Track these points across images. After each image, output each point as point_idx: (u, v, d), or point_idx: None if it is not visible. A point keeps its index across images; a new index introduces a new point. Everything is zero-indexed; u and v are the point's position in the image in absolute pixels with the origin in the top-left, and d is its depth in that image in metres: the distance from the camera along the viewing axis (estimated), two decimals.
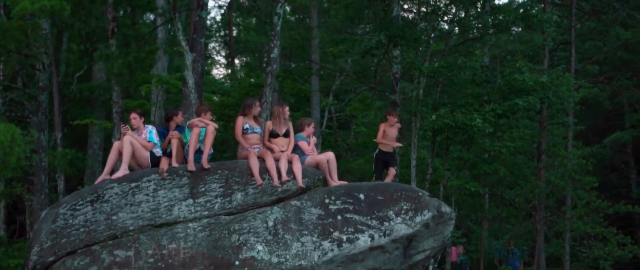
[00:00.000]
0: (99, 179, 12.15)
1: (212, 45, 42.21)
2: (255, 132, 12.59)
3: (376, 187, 12.61)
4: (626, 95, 32.78)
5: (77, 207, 11.58)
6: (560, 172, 23.22)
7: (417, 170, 20.95)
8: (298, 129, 13.13)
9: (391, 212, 12.14)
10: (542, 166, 23.33)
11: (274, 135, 12.68)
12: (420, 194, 12.63)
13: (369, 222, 12.00)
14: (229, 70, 41.08)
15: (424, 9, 22.93)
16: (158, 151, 12.34)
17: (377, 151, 14.70)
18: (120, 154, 12.07)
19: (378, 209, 12.11)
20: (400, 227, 12.10)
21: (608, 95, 32.85)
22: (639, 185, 41.81)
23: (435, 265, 20.83)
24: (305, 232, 11.79)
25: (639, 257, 26.60)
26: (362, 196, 12.21)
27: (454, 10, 22.96)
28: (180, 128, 12.66)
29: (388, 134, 14.50)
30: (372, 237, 11.93)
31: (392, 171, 14.49)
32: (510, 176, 22.92)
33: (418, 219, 12.23)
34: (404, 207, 12.22)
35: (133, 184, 11.72)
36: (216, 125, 12.57)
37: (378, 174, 14.63)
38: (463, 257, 23.50)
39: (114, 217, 11.57)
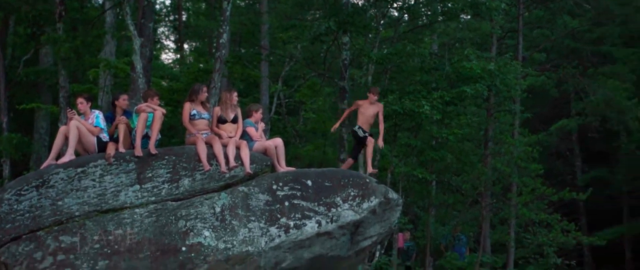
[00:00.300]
0: (45, 164, 12.12)
1: (161, 30, 41.94)
2: (203, 118, 12.68)
3: (324, 173, 12.79)
4: (572, 84, 33.47)
5: (22, 193, 11.55)
6: (506, 160, 23.65)
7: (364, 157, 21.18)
8: (246, 115, 13.24)
9: (338, 199, 12.32)
10: (489, 153, 23.75)
11: (221, 121, 12.78)
12: (367, 180, 12.84)
13: (317, 208, 12.17)
14: (178, 56, 40.91)
15: None
16: (105, 136, 12.34)
17: (357, 127, 14.52)
18: (66, 138, 12.05)
19: (325, 195, 12.28)
20: (348, 214, 12.29)
21: (555, 83, 33.51)
22: (583, 173, 42.83)
23: (382, 251, 21.16)
24: (253, 218, 11.91)
25: (582, 244, 27.28)
26: (309, 182, 12.37)
27: None
28: (127, 113, 12.67)
29: (364, 113, 14.27)
30: (319, 223, 12.10)
31: (371, 140, 14.29)
32: (457, 163, 23.29)
33: (365, 205, 12.43)
34: (351, 194, 12.41)
35: (79, 170, 11.72)
36: (164, 111, 12.63)
37: (354, 153, 14.74)
38: (410, 243, 23.87)
39: (60, 203, 11.56)
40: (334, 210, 12.22)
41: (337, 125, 15.00)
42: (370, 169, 13.68)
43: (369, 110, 14.23)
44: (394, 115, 20.22)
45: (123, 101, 12.85)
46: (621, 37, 39.76)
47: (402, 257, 23.47)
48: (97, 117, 12.39)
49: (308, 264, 12.41)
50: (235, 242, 11.70)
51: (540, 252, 24.94)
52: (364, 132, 14.40)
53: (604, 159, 43.04)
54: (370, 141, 14.18)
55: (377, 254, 20.46)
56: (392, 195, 12.79)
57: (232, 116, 12.85)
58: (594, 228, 40.36)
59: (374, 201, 12.50)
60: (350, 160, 14.50)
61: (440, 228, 24.65)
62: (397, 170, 21.26)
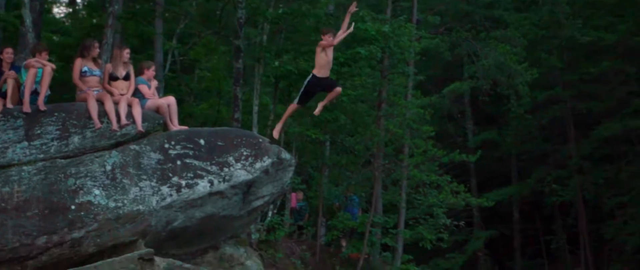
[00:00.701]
0: None
1: None
2: (95, 75, 12.65)
3: (216, 132, 12.97)
4: (465, 47, 34.32)
5: None
6: (399, 121, 24.16)
7: (259, 117, 21.36)
8: (138, 72, 13.25)
9: (231, 158, 12.51)
10: (382, 115, 24.21)
11: (113, 78, 12.78)
12: (260, 140, 13.07)
13: (209, 168, 12.34)
14: (70, 10, 39.90)
15: None
16: None
17: (310, 77, 12.91)
18: None
19: (218, 155, 12.45)
20: (240, 173, 12.51)
21: (448, 46, 34.31)
22: (474, 135, 44.22)
23: (275, 211, 21.45)
24: (144, 177, 12.00)
25: (471, 205, 28.26)
26: (202, 142, 12.52)
27: None
28: (16, 68, 12.51)
29: (323, 58, 12.67)
30: (211, 183, 12.29)
31: (338, 89, 13.15)
32: (350, 124, 23.65)
33: (258, 165, 12.67)
34: (244, 153, 12.62)
35: None
36: (53, 66, 12.53)
37: (301, 101, 13.10)
38: (302, 203, 24.21)
39: None
40: (226, 169, 12.42)
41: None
42: (319, 110, 13.09)
43: (330, 54, 12.86)
44: (289, 75, 20.44)
45: (7, 55, 12.67)
46: (513, 2, 41.08)
47: (295, 217, 23.81)
48: None
49: (200, 223, 12.62)
50: (126, 201, 11.77)
51: (430, 212, 25.66)
52: (330, 81, 13.34)
53: (495, 121, 44.58)
54: (339, 90, 13.24)
55: (270, 213, 20.76)
56: (285, 155, 13.07)
57: (124, 73, 12.86)
58: (483, 189, 41.85)
59: (267, 161, 12.75)
60: (295, 106, 13.19)
61: (333, 188, 25.05)
62: (291, 131, 21.53)
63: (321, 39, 12.82)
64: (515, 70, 31.70)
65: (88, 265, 11.32)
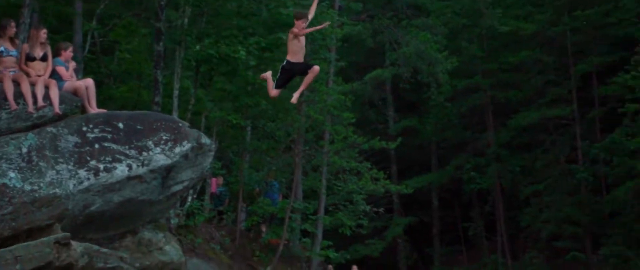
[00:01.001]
0: None
1: None
2: (11, 55, 12.50)
3: (136, 116, 12.93)
4: (387, 34, 34.75)
5: None
6: (319, 107, 24.40)
7: (179, 100, 21.31)
8: (56, 53, 13.12)
9: (150, 142, 12.50)
10: (303, 101, 24.37)
11: (30, 58, 12.65)
12: (180, 124, 13.09)
13: (128, 152, 12.31)
14: None
15: None
16: None
17: (284, 63, 12.38)
18: None
19: (137, 139, 12.42)
20: (159, 158, 12.51)
21: (370, 33, 34.67)
22: (395, 122, 44.80)
23: (195, 196, 21.47)
24: (61, 160, 11.91)
25: (391, 192, 28.74)
26: (121, 125, 12.48)
27: None
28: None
29: (300, 41, 12.13)
30: (130, 167, 12.26)
31: (316, 68, 12.34)
32: (272, 109, 23.77)
33: (177, 149, 12.69)
34: (164, 138, 12.63)
35: None
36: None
37: (279, 86, 12.57)
38: (223, 188, 24.28)
39: None
40: (145, 153, 12.41)
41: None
42: (296, 99, 12.74)
43: (302, 39, 12.30)
44: (210, 59, 20.45)
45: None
46: None
47: (215, 202, 23.86)
48: None
49: (118, 208, 12.59)
50: (42, 184, 11.67)
51: (350, 199, 26.00)
52: (306, 64, 12.66)
53: (415, 109, 45.26)
54: (316, 69, 12.45)
55: (190, 198, 20.77)
56: (205, 140, 13.11)
57: (41, 54, 12.73)
58: (403, 176, 42.45)
59: (187, 146, 12.78)
60: (276, 93, 12.73)
61: (254, 174, 25.18)
62: (212, 115, 21.56)
63: (293, 25, 12.13)
64: (435, 59, 32.25)
65: (3, 249, 11.20)
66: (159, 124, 12.79)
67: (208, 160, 13.54)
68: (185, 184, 13.47)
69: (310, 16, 12.00)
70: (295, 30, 11.98)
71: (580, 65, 38.61)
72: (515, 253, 41.98)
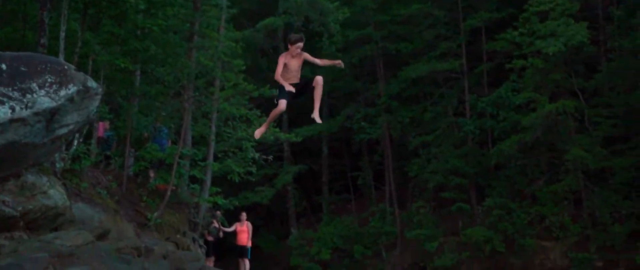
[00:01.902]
0: None
1: None
2: None
3: (20, 57, 12.86)
4: None
5: None
6: (210, 54, 24.47)
7: (66, 43, 21.04)
8: None
9: (34, 85, 12.48)
10: (194, 47, 24.43)
11: None
12: (66, 67, 13.09)
13: (11, 94, 12.27)
14: None
15: None
16: None
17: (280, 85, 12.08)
18: None
19: (21, 81, 12.39)
20: (44, 100, 12.51)
21: None
22: None
23: (81, 140, 21.34)
24: None
25: (280, 140, 29.16)
26: (4, 66, 12.41)
27: None
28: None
29: (290, 67, 11.92)
30: (12, 109, 12.23)
31: (319, 79, 11.99)
32: (161, 54, 23.70)
33: (62, 92, 12.71)
34: (49, 80, 12.63)
35: None
36: None
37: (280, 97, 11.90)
38: (110, 132, 24.20)
39: None
40: (29, 96, 12.39)
41: (288, 86, 11.84)
42: (317, 116, 12.09)
43: (294, 63, 12.04)
44: (98, 1, 20.27)
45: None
46: None
47: (102, 147, 23.77)
48: None
49: (0, 151, 12.57)
50: None
51: (239, 146, 26.25)
52: (304, 82, 12.28)
53: None
54: (320, 80, 12.07)
55: (76, 142, 20.61)
56: (92, 83, 13.17)
57: None
58: (294, 125, 42.96)
59: (72, 89, 12.81)
60: (283, 104, 11.89)
61: (142, 119, 25.11)
62: (100, 59, 21.39)
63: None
64: (327, 8, 32.61)
65: None
66: (44, 66, 12.77)
67: (94, 104, 13.61)
68: (71, 127, 13.51)
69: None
70: (282, 59, 11.87)
71: (470, 21, 39.74)
72: (403, 202, 43.16)
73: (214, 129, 25.31)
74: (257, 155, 26.27)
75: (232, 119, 25.62)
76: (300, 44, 11.97)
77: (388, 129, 43.30)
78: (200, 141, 26.63)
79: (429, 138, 41.45)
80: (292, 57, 12.01)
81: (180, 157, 23.38)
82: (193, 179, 25.45)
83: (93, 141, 22.88)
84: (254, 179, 27.92)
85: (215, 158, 25.89)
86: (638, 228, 34.20)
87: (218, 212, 25.81)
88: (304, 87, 12.03)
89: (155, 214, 21.79)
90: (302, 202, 47.95)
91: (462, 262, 37.67)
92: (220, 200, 24.59)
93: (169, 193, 22.51)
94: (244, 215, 24.71)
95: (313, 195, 47.96)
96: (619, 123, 36.40)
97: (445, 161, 39.85)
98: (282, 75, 11.93)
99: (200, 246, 24.25)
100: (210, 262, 23.53)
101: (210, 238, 24.75)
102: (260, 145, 29.56)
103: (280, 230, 47.54)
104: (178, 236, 22.56)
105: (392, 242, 40.88)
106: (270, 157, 30.03)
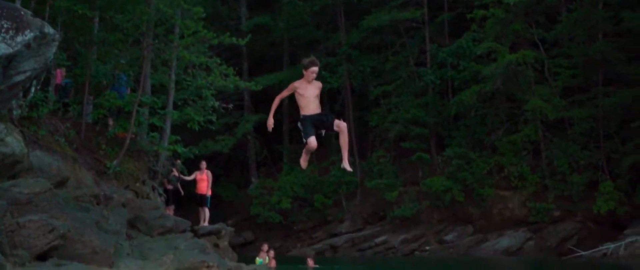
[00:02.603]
0: None
1: None
2: None
3: None
4: None
5: None
6: (170, 1, 24.25)
7: None
8: None
9: None
10: None
11: None
12: (22, 13, 13.01)
13: None
14: None
15: None
16: None
17: (301, 117, 11.26)
18: None
19: None
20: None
21: None
22: (247, 19, 45.00)
23: (38, 87, 21.18)
24: None
25: (239, 87, 29.10)
26: None
27: None
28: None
29: (306, 95, 11.05)
30: None
31: (343, 126, 10.96)
32: (121, 0, 23.42)
33: (19, 38, 12.67)
34: (4, 26, 12.56)
35: None
36: None
37: (306, 135, 11.13)
38: (68, 80, 24.04)
39: None
40: None
41: (271, 120, 11.39)
42: (347, 165, 11.07)
43: (310, 91, 11.12)
44: None
45: None
46: None
47: (60, 94, 23.60)
48: None
49: None
50: None
51: (199, 94, 26.21)
52: (326, 117, 11.32)
53: (268, 6, 45.51)
54: (343, 126, 11.06)
55: (33, 89, 20.46)
56: (49, 29, 13.11)
57: None
58: (255, 73, 42.97)
59: (29, 35, 12.76)
60: (313, 141, 11.00)
61: (101, 66, 24.94)
62: (57, 4, 21.15)
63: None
64: None
65: None
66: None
67: (52, 51, 13.57)
68: (28, 74, 13.48)
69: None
70: (295, 84, 11.08)
71: None
72: (364, 152, 43.50)
73: (173, 77, 25.19)
74: (216, 103, 26.23)
75: (192, 67, 25.53)
76: (315, 69, 11.02)
77: (349, 78, 43.46)
78: (159, 89, 26.54)
79: (389, 88, 41.69)
80: (308, 83, 11.07)
81: (139, 105, 23.32)
82: (152, 127, 25.44)
83: (51, 88, 22.71)
84: (214, 128, 27.97)
85: (175, 106, 25.83)
86: (596, 178, 34.90)
87: (178, 161, 25.88)
88: (324, 124, 11.04)
89: (114, 162, 21.80)
90: (263, 151, 48.12)
91: (421, 211, 38.21)
92: (179, 149, 24.62)
93: (128, 141, 22.49)
94: (203, 163, 24.79)
95: (273, 144, 48.12)
96: (578, 74, 36.93)
97: (405, 111, 40.20)
98: (299, 103, 11.03)
99: (160, 195, 24.34)
100: (170, 211, 23.64)
101: (169, 187, 24.83)
102: (221, 93, 29.55)
103: (241, 179, 47.75)
104: (137, 184, 22.62)
105: (352, 191, 41.27)
106: (231, 106, 30.07)
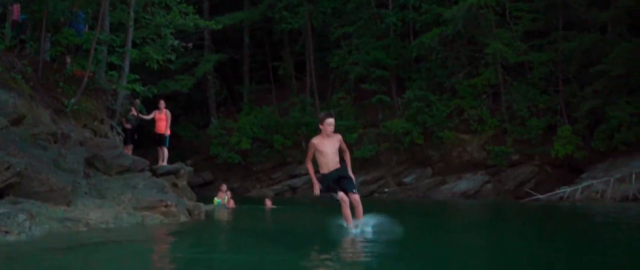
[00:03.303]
0: None
1: None
2: None
3: None
4: None
5: None
6: None
7: None
8: None
9: None
10: None
11: None
12: None
13: None
14: None
15: None
16: None
17: (321, 175, 11.88)
18: None
19: None
20: None
21: None
22: None
23: None
24: None
25: (200, 26, 28.93)
26: None
27: None
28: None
29: (324, 151, 11.48)
30: None
31: (355, 197, 11.52)
32: None
33: None
34: None
35: None
36: None
37: (335, 192, 11.71)
38: (24, 16, 23.75)
39: None
40: None
41: (316, 186, 11.85)
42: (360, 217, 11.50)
43: (328, 147, 11.53)
44: None
45: None
46: None
47: (16, 31, 23.31)
48: None
49: None
50: None
51: (158, 33, 26.05)
52: (342, 170, 11.80)
53: None
54: (356, 204, 11.56)
55: None
56: None
57: None
58: (215, 12, 42.74)
59: None
60: (344, 197, 11.55)
61: (59, 2, 24.55)
62: None
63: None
64: None
65: None
66: None
67: None
68: None
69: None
70: (315, 141, 11.36)
71: None
72: (324, 93, 43.70)
73: (132, 14, 24.93)
74: (176, 42, 26.10)
75: (151, 5, 25.29)
76: (331, 121, 11.34)
77: (310, 19, 43.40)
78: (118, 27, 26.30)
79: (350, 29, 41.75)
80: (328, 136, 11.48)
81: (97, 43, 23.09)
82: (111, 66, 25.24)
83: (7, 25, 22.45)
84: (173, 67, 27.85)
85: (134, 45, 25.63)
86: (554, 122, 35.44)
87: (136, 100, 25.78)
88: (342, 185, 11.45)
89: (72, 100, 21.67)
90: (223, 91, 48.12)
91: (381, 153, 38.60)
92: (138, 88, 24.51)
93: (86, 79, 22.32)
94: (162, 103, 24.76)
95: (234, 84, 48.15)
96: (539, 18, 37.23)
97: (366, 53, 40.33)
98: (318, 161, 11.37)
99: (118, 134, 24.28)
100: (129, 150, 23.63)
101: (128, 126, 24.78)
102: (181, 33, 29.41)
103: (200, 119, 47.79)
104: (95, 123, 22.53)
105: (312, 132, 41.50)
106: (190, 45, 29.92)
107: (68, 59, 23.51)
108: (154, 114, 24.33)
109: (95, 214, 14.44)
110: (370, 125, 40.21)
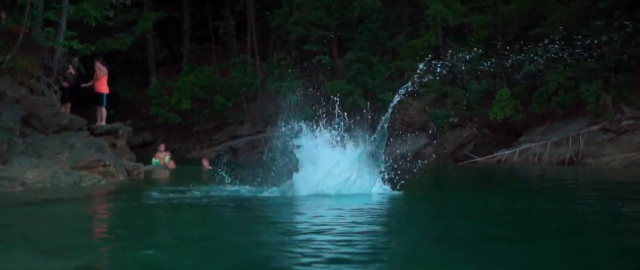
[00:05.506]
0: None
1: None
2: None
3: None
4: None
5: None
6: None
7: None
8: None
9: None
10: None
11: None
12: None
13: None
14: None
15: None
16: None
17: None
18: None
19: None
20: None
21: None
22: None
23: None
24: None
25: None
26: None
27: None
28: None
29: None
30: None
31: None
32: None
33: None
34: None
35: None
36: None
37: None
38: None
39: None
40: None
41: None
42: None
43: None
44: None
45: None
46: None
47: None
48: None
49: None
50: None
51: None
52: None
53: None
54: None
55: None
56: None
57: None
58: None
59: None
60: None
61: None
62: None
63: None
64: None
65: None
66: None
67: None
68: None
69: None
70: None
71: None
72: (265, 54, 43.47)
73: None
74: None
75: None
76: None
77: None
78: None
79: None
80: None
81: None
82: (48, 22, 24.70)
83: None
84: (112, 25, 27.43)
85: (71, 1, 25.11)
86: (493, 85, 35.76)
87: (74, 58, 25.31)
88: None
89: (7, 57, 21.17)
90: (162, 50, 47.56)
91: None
92: (76, 45, 24.04)
93: (21, 35, 21.81)
94: (97, 63, 24.31)
95: (174, 43, 47.60)
96: None
97: (307, 13, 40.11)
98: None
99: (56, 92, 23.82)
100: (66, 109, 23.22)
101: (65, 84, 24.32)
102: None
103: (140, 78, 47.20)
104: (32, 81, 22.05)
105: (253, 93, 41.31)
106: (129, 2, 29.39)
107: (3, 14, 22.94)
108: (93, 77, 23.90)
109: (32, 173, 14.18)
110: (312, 86, 40.13)
